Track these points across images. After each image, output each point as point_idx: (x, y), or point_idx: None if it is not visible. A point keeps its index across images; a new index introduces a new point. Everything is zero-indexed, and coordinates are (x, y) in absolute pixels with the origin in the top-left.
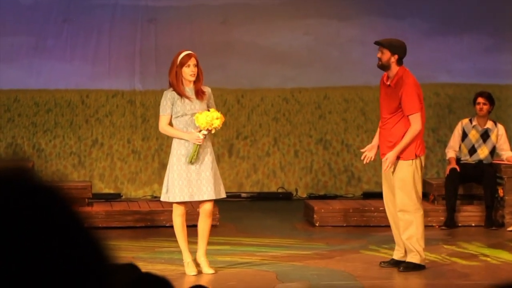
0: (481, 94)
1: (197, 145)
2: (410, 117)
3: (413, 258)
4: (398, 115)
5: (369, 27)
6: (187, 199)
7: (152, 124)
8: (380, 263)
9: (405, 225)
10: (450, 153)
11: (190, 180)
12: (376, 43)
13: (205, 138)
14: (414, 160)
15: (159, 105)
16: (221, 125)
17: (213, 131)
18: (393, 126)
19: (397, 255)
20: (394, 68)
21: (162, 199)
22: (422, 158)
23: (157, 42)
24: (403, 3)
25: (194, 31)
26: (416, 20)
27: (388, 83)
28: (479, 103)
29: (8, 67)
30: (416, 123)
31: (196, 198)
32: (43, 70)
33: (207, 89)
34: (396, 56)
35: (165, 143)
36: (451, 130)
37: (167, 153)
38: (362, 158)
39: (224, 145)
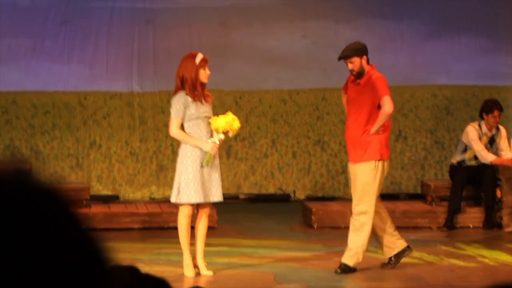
0: (497, 105)
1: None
2: (382, 101)
3: (351, 259)
4: (365, 114)
5: (367, 29)
6: (202, 200)
7: (150, 126)
8: (382, 264)
9: (361, 227)
10: (490, 156)
11: (203, 181)
12: (341, 58)
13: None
14: (376, 162)
15: (157, 106)
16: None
17: (231, 135)
18: (363, 127)
19: (388, 252)
20: (366, 68)
21: (173, 201)
22: (386, 163)
23: (155, 44)
24: (401, 5)
25: (192, 33)
26: (414, 22)
27: (358, 81)
28: (495, 116)
29: (5, 69)
30: (387, 105)
31: (208, 200)
32: (41, 72)
33: (209, 93)
34: (365, 57)
35: (163, 145)
36: (449, 132)
37: (165, 155)
38: None
39: (222, 146)
